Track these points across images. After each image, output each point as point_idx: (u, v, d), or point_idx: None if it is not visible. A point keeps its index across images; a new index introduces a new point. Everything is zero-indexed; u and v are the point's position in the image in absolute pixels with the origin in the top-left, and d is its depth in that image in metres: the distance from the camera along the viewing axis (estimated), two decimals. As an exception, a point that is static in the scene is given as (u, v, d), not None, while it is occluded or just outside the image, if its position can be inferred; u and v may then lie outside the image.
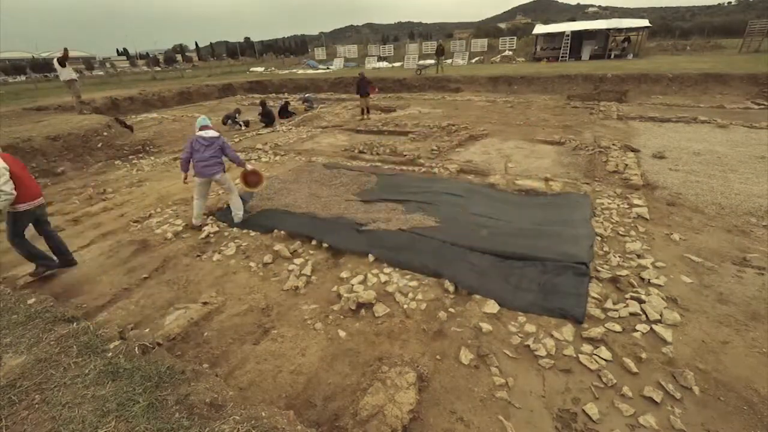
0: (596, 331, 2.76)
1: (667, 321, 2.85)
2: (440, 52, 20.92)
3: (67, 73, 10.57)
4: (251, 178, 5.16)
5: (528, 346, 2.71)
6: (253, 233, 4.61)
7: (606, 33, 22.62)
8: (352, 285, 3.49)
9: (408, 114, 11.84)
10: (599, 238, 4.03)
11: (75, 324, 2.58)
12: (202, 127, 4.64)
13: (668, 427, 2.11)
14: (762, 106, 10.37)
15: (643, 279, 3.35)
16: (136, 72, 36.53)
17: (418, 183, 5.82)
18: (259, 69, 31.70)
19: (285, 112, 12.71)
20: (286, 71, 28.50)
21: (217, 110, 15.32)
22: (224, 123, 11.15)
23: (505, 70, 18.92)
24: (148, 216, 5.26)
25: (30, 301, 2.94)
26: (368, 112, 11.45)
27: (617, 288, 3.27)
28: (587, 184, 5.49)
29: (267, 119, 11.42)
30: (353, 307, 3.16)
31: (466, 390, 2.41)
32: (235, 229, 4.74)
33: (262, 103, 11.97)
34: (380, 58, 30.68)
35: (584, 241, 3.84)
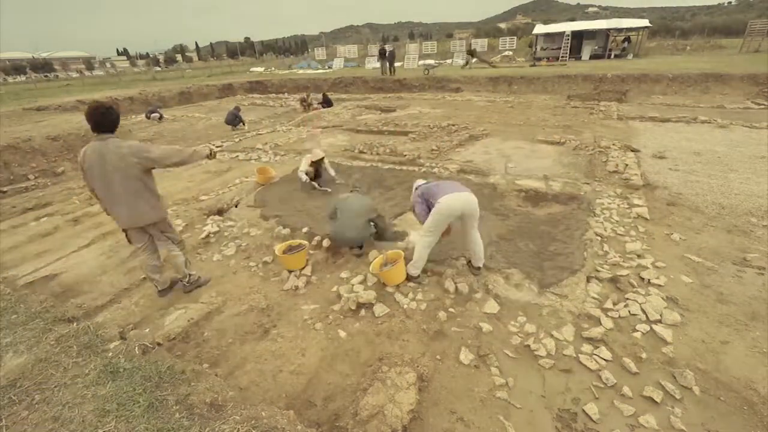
0: (596, 331, 2.75)
1: (667, 321, 2.84)
2: (473, 53, 23.00)
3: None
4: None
5: (528, 346, 2.71)
6: (253, 233, 4.61)
7: (606, 33, 22.62)
8: (352, 285, 3.49)
9: (408, 114, 11.85)
10: (599, 238, 4.04)
11: (75, 324, 2.58)
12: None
13: (668, 427, 2.11)
14: (762, 106, 10.37)
15: (643, 279, 3.35)
16: (136, 72, 36.54)
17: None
18: (259, 69, 31.71)
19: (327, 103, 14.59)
20: (286, 71, 28.50)
21: (217, 110, 15.32)
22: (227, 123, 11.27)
23: (505, 70, 18.93)
24: (148, 216, 5.26)
25: (30, 301, 2.94)
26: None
27: (617, 288, 3.27)
28: (587, 184, 5.48)
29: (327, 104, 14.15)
30: (353, 307, 3.16)
31: (466, 390, 2.41)
32: (235, 230, 4.74)
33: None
34: (378, 57, 30.61)
35: None
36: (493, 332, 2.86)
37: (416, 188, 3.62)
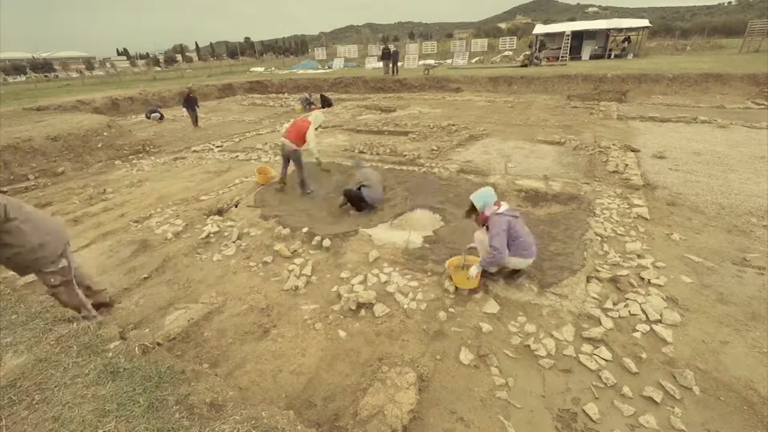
0: (596, 331, 2.76)
1: (667, 321, 2.85)
2: (543, 47, 22.98)
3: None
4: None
5: (528, 346, 2.71)
6: (253, 233, 4.61)
7: (606, 33, 22.61)
8: (353, 285, 3.49)
9: (408, 114, 11.85)
10: (599, 238, 4.04)
11: (75, 324, 2.58)
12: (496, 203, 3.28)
13: (668, 427, 2.12)
14: (762, 106, 10.37)
15: (643, 279, 3.35)
16: (136, 72, 36.53)
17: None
18: (259, 69, 31.69)
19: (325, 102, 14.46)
20: (286, 71, 28.50)
21: (217, 110, 15.32)
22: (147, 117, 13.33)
23: (505, 70, 18.92)
24: (148, 216, 5.27)
25: (30, 301, 2.93)
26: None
27: (617, 288, 3.27)
28: (587, 184, 5.48)
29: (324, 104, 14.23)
30: (353, 307, 3.16)
31: (466, 390, 2.41)
32: (235, 229, 4.74)
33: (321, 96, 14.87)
34: (380, 58, 30.62)
35: None
36: (493, 332, 2.86)
37: (498, 212, 3.19)
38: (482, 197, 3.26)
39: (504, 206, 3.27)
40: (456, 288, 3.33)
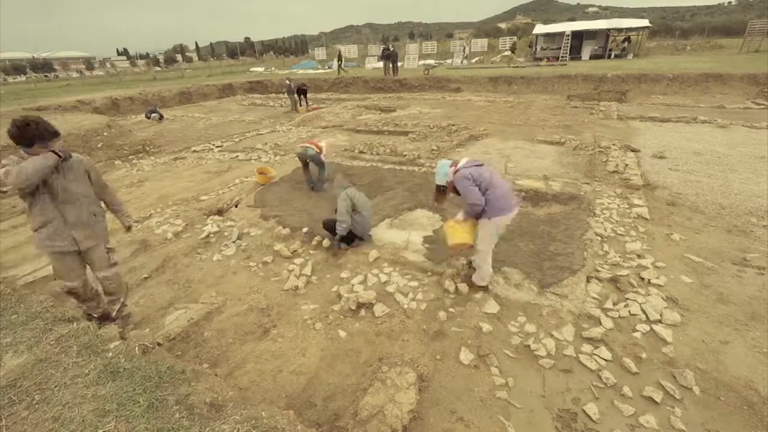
0: (596, 331, 2.76)
1: (667, 321, 2.85)
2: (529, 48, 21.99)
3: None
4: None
5: (528, 346, 2.71)
6: (253, 233, 4.61)
7: (606, 33, 22.62)
8: (353, 285, 3.49)
9: (408, 114, 11.85)
10: (599, 238, 4.04)
11: (75, 324, 2.58)
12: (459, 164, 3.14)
13: (668, 427, 2.11)
14: (762, 106, 10.38)
15: (643, 279, 3.35)
16: (136, 72, 36.54)
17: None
18: (259, 69, 31.70)
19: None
20: (286, 71, 28.50)
21: (217, 110, 15.31)
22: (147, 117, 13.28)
23: (505, 70, 18.93)
24: (148, 216, 5.26)
25: (30, 301, 2.93)
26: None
27: (617, 288, 3.27)
28: (587, 184, 5.48)
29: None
30: (353, 307, 3.16)
31: (466, 390, 2.41)
32: (235, 229, 4.74)
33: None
34: (380, 58, 30.65)
35: None
36: (493, 332, 2.86)
37: (456, 171, 3.09)
38: (440, 173, 3.17)
39: (462, 161, 3.13)
40: (456, 287, 3.33)
